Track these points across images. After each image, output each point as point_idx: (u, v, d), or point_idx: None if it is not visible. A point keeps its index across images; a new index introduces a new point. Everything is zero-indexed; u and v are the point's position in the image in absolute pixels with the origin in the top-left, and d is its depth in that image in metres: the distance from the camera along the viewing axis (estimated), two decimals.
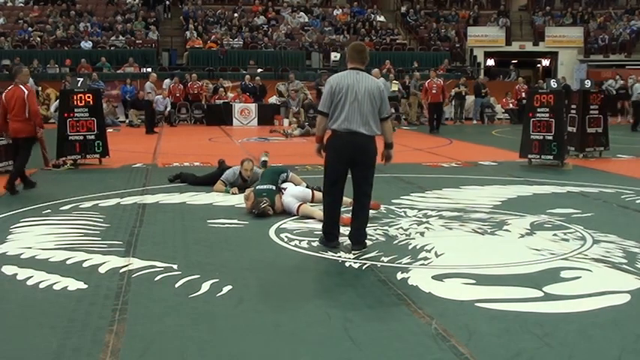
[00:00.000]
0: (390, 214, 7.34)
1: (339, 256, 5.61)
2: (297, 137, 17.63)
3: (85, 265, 5.35)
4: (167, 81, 22.43)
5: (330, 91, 5.68)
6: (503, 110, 24.14)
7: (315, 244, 6.01)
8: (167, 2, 30.45)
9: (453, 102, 23.63)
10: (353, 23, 30.23)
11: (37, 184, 9.10)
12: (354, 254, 5.63)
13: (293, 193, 7.53)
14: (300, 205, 7.28)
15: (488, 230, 6.60)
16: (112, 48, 26.52)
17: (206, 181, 9.16)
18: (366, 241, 5.92)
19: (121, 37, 27.11)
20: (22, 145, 8.98)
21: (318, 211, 6.83)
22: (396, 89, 21.79)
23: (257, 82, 23.39)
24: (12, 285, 4.89)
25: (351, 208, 5.99)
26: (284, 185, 7.77)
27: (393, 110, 22.42)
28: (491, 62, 31.80)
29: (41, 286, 4.82)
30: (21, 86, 8.93)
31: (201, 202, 8.07)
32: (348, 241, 5.88)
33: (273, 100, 23.23)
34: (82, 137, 11.49)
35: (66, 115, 11.50)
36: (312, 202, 7.49)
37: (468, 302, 4.45)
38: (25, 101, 8.77)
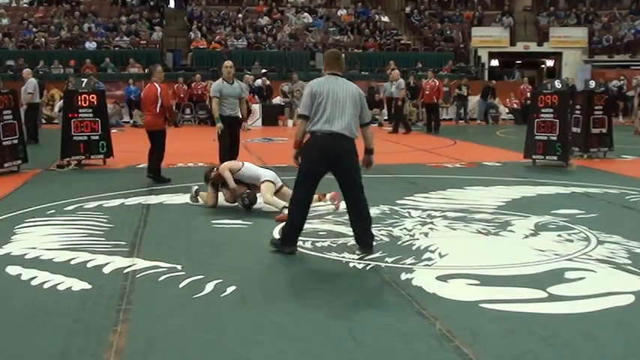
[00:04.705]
0: (394, 214, 7.34)
1: (343, 257, 5.60)
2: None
3: (89, 265, 5.35)
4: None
5: (311, 93, 5.60)
6: (508, 111, 24.11)
7: (308, 244, 5.99)
8: (151, 2, 30.39)
9: (455, 103, 23.65)
10: (357, 24, 30.22)
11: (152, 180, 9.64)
12: (358, 255, 5.62)
13: (261, 170, 7.77)
14: (267, 181, 7.47)
15: (493, 231, 6.59)
16: (116, 48, 26.55)
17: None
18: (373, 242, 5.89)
19: (125, 38, 27.15)
20: (154, 138, 9.67)
21: (281, 201, 7.19)
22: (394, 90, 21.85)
23: (264, 82, 23.41)
24: (16, 285, 4.89)
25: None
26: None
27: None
28: (495, 63, 31.76)
29: (45, 286, 4.83)
30: (155, 83, 9.63)
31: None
32: (352, 242, 5.86)
33: (277, 100, 23.25)
34: (86, 138, 11.51)
35: (70, 115, 11.53)
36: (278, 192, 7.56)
37: (472, 303, 4.44)
38: (158, 96, 9.46)
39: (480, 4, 33.03)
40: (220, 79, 9.93)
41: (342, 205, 6.69)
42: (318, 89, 5.60)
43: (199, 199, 7.97)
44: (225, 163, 8.01)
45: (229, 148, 10.05)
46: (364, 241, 5.76)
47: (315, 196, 7.47)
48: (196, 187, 8.11)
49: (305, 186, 5.70)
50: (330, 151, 5.57)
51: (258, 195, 7.57)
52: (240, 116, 10.20)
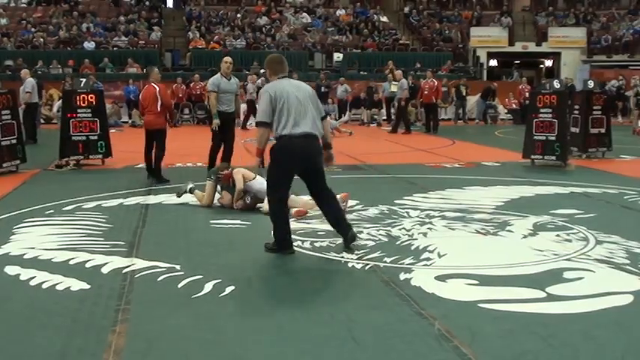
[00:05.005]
0: (392, 214, 7.34)
1: (342, 257, 5.60)
2: None
3: (87, 265, 5.35)
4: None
5: (270, 99, 5.54)
6: (506, 111, 24.13)
7: (307, 244, 5.99)
8: (147, 2, 30.33)
9: (454, 103, 23.67)
10: (356, 24, 30.24)
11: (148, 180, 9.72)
12: (357, 255, 5.62)
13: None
14: None
15: (491, 231, 6.59)
16: (114, 48, 26.55)
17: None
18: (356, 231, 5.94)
19: (123, 38, 27.14)
20: (155, 137, 9.77)
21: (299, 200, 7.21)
22: (396, 90, 21.88)
23: (262, 82, 23.40)
24: (15, 285, 4.89)
25: None
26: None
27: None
28: (494, 63, 31.79)
29: (44, 286, 4.82)
30: (153, 84, 9.84)
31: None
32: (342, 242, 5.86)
33: None
34: (84, 138, 11.51)
35: (69, 115, 11.53)
36: None
37: (471, 303, 4.44)
38: (157, 96, 9.66)
39: (479, 4, 33.06)
40: (218, 74, 9.97)
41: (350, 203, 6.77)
42: (276, 94, 5.56)
43: (194, 197, 7.96)
44: (241, 168, 7.97)
45: (224, 145, 10.07)
46: (345, 228, 5.77)
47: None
48: (191, 186, 8.09)
49: (282, 188, 5.73)
50: (303, 152, 5.59)
51: (258, 205, 7.58)
52: (235, 113, 10.25)
